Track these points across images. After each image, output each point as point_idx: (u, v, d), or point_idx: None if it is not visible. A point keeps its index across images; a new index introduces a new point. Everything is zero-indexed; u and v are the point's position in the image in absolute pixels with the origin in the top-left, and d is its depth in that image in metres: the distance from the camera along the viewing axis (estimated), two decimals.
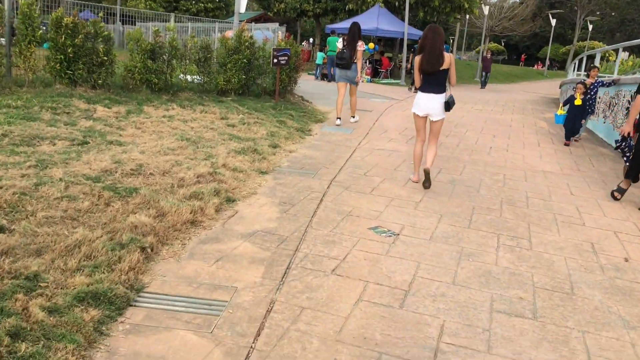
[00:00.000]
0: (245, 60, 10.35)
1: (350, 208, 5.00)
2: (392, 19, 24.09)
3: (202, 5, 39.71)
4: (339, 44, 9.27)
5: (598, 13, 49.35)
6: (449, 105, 5.87)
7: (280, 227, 4.38)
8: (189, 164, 5.61)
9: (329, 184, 5.74)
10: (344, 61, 9.20)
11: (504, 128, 11.22)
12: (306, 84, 16.69)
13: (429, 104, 5.86)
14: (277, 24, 13.37)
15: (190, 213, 4.29)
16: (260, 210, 4.73)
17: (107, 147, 5.88)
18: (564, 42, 57.77)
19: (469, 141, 9.27)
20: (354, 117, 10.11)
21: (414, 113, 6.06)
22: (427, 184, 5.88)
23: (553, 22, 40.16)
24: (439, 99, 5.83)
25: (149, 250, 3.60)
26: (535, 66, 55.68)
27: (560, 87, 21.37)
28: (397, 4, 24.95)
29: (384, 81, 22.84)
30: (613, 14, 52.26)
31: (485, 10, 31.47)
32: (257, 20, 32.55)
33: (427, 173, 5.86)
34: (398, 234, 4.43)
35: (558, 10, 41.47)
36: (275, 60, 10.12)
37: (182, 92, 9.83)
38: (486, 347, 2.88)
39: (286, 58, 10.39)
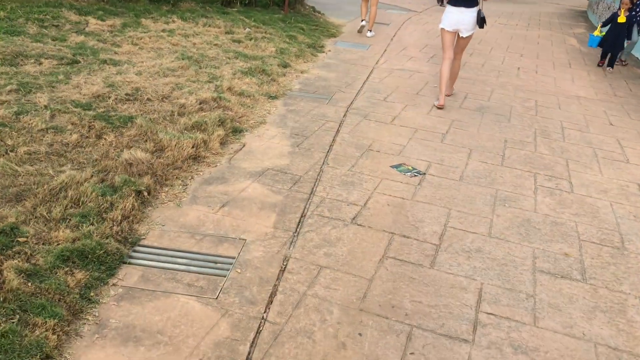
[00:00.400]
0: None
1: (369, 141, 4.50)
2: None
3: None
4: None
5: None
6: (484, 20, 5.39)
7: (293, 164, 3.91)
8: (190, 87, 5.05)
9: (345, 112, 5.20)
10: None
11: (532, 46, 10.37)
12: None
13: (460, 18, 5.37)
14: None
15: (192, 147, 3.82)
16: (270, 143, 4.25)
17: (99, 67, 5.29)
18: None
19: (495, 61, 8.53)
20: (370, 31, 9.42)
21: (442, 29, 5.53)
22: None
23: None
24: (470, 13, 5.35)
25: (145, 193, 3.17)
26: None
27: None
28: None
29: None
30: None
31: None
32: None
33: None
34: (424, 174, 3.97)
35: None
36: None
37: (184, 2, 8.99)
38: (532, 318, 2.51)
39: None
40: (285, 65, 6.61)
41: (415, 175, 3.92)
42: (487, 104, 5.97)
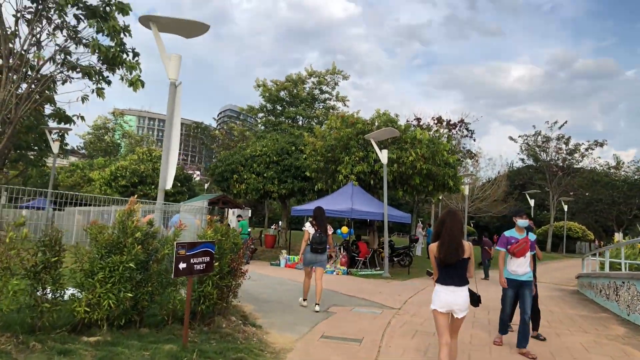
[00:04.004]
0: (132, 265, 5.61)
1: None
2: (367, 199, 20.38)
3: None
4: (309, 228, 8.93)
5: (572, 194, 48.23)
6: (479, 300, 5.15)
7: None
8: None
9: None
10: (324, 245, 9.00)
11: None
12: (260, 281, 11.90)
13: (452, 298, 4.94)
14: (205, 203, 9.05)
15: None
16: None
17: None
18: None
19: None
20: (318, 304, 8.84)
21: (435, 310, 4.97)
22: None
23: (531, 202, 38.07)
24: (462, 292, 4.97)
25: None
26: None
27: (577, 278, 17.68)
28: (372, 182, 21.59)
29: (362, 272, 18.20)
30: (587, 193, 51.33)
31: (465, 190, 28.68)
32: (214, 203, 28.63)
33: None
34: None
35: (534, 191, 39.75)
36: (182, 265, 5.38)
37: None
38: None
39: (208, 259, 5.72)
40: None
41: None
42: None
